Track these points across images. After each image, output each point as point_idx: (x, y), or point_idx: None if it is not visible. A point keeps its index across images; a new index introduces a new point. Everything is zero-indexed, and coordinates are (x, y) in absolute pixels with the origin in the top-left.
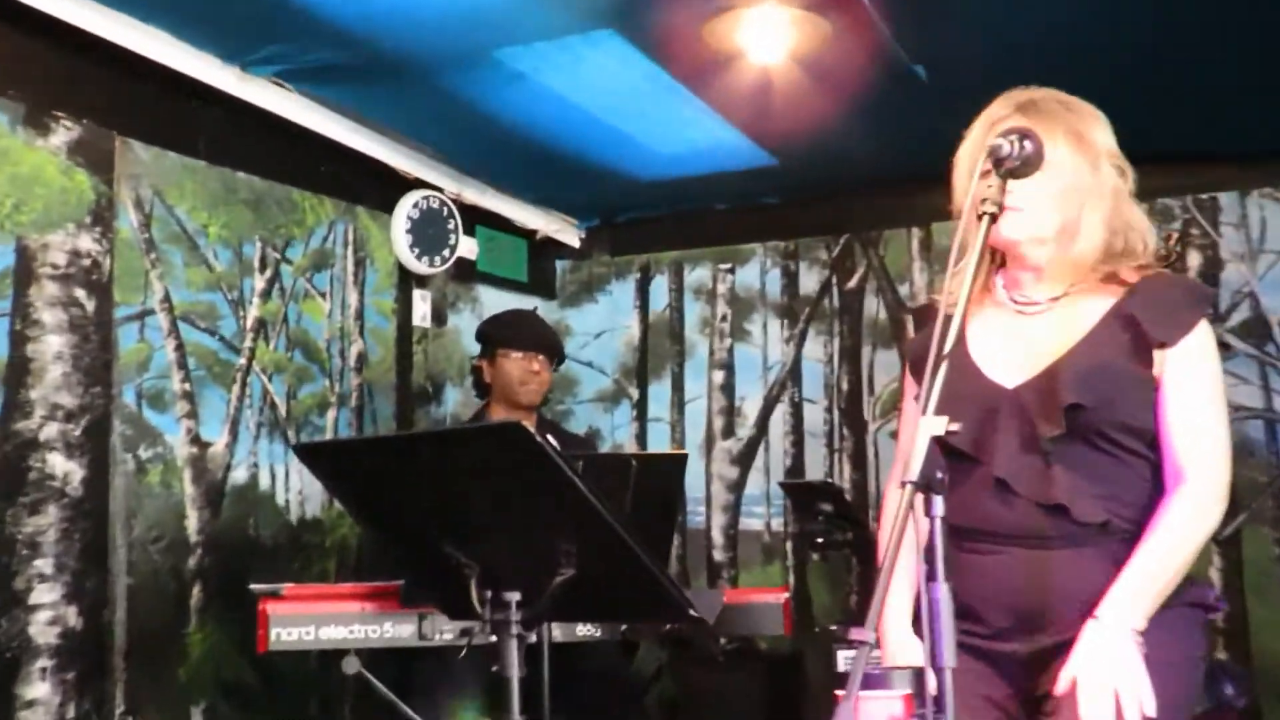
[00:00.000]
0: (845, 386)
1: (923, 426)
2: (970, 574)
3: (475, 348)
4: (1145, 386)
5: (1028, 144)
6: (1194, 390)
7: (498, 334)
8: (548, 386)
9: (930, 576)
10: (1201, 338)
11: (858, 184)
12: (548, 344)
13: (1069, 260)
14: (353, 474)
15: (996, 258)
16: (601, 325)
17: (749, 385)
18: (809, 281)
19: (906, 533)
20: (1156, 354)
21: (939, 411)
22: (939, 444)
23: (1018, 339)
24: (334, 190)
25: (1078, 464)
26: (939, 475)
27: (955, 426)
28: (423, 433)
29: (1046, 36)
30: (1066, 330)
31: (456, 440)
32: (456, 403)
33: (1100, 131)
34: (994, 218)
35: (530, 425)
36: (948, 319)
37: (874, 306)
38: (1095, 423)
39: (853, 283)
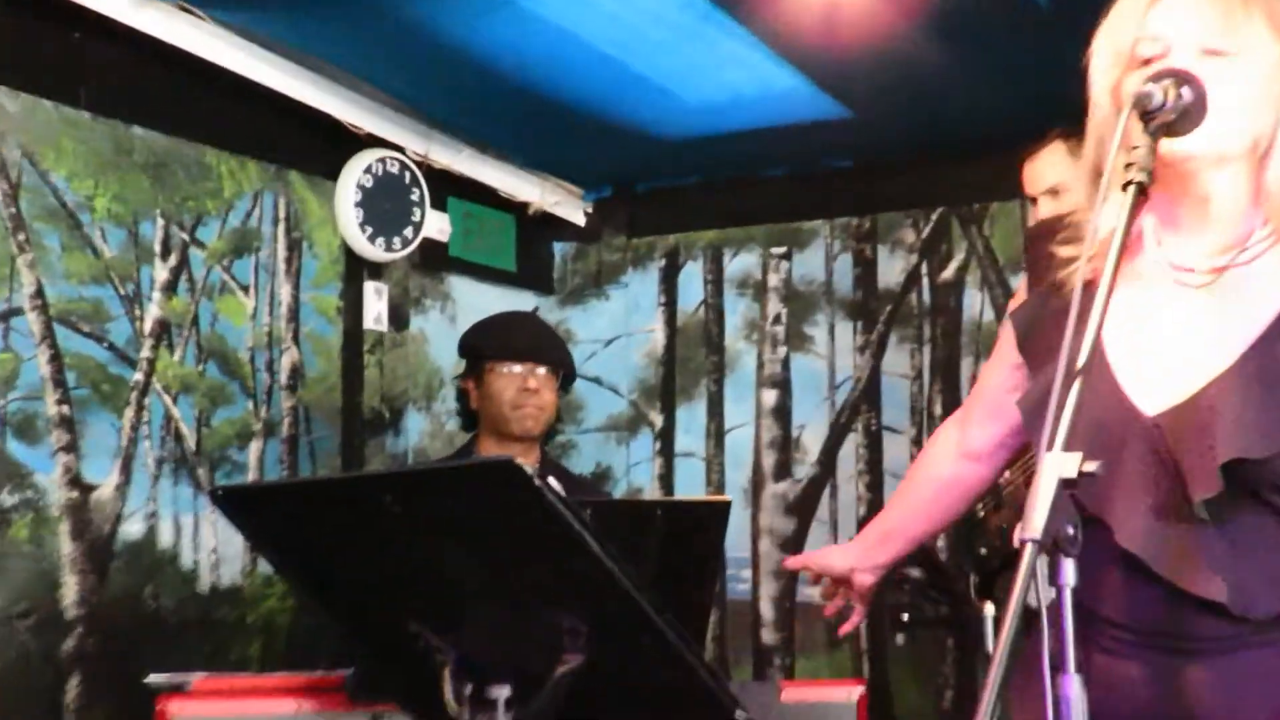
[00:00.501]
0: (939, 410)
1: (1047, 466)
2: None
3: (445, 357)
4: None
5: (1186, 91)
6: None
7: (485, 343)
8: (552, 412)
9: (1058, 666)
10: None
11: (956, 143)
12: (551, 355)
13: (1250, 198)
14: (286, 528)
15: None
16: (615, 330)
17: (811, 409)
18: (891, 271)
19: (935, 469)
20: None
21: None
22: (1075, 485)
23: (1165, 326)
24: (260, 150)
25: (1241, 534)
26: (1070, 531)
27: (1093, 466)
28: (383, 474)
29: None
30: (1232, 322)
31: (428, 483)
32: (421, 433)
33: None
34: (1144, 190)
35: (529, 463)
36: (1084, 312)
37: (977, 304)
38: (1263, 477)
39: (949, 273)
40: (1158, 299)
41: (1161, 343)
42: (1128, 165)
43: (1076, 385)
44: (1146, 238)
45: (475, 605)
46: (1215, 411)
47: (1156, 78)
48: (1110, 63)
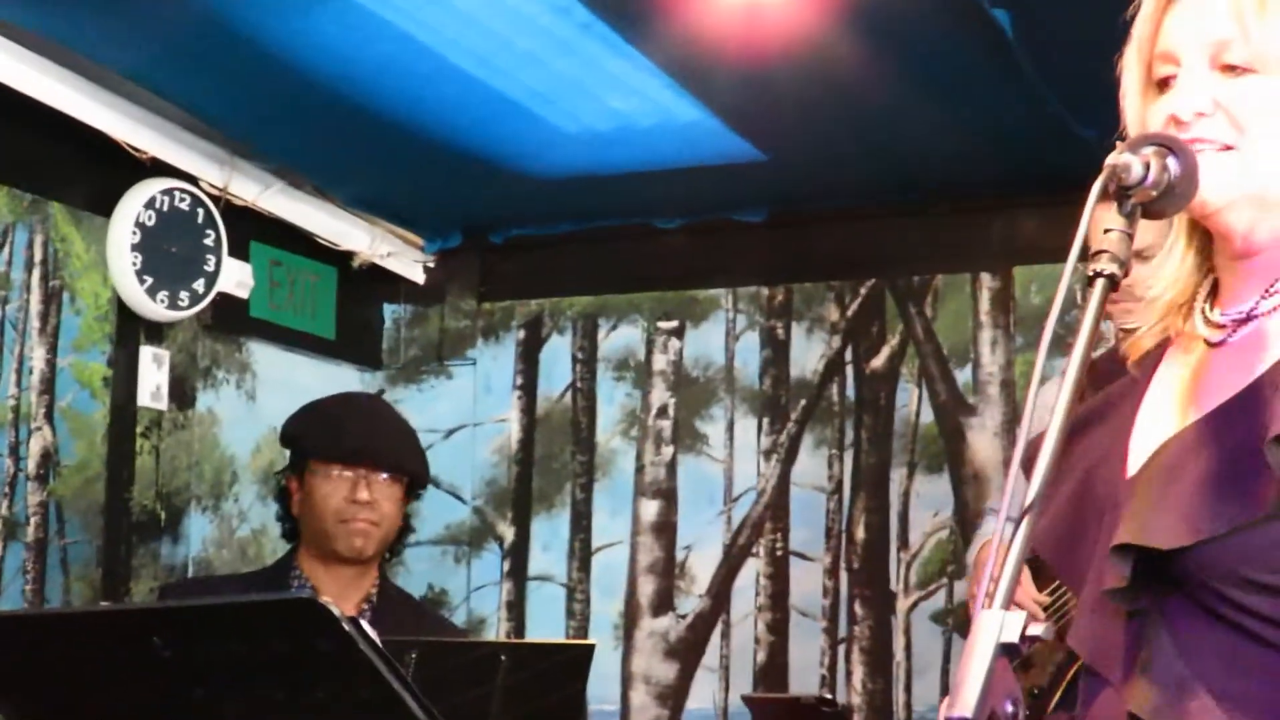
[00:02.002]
0: (862, 534)
1: (983, 627)
2: None
3: (239, 444)
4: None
5: (1173, 163)
6: None
7: (309, 434)
8: (391, 527)
9: None
10: None
11: (896, 197)
12: (395, 456)
13: None
14: (21, 671)
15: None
16: (458, 417)
17: (701, 526)
18: (808, 355)
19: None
20: None
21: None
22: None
23: (1179, 389)
24: (11, 175)
25: (1188, 640)
26: (1009, 709)
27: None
28: (149, 609)
29: None
30: (1225, 379)
31: (209, 621)
32: (205, 540)
33: None
34: (1114, 283)
35: (357, 597)
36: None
37: (914, 401)
38: (1209, 572)
39: (880, 360)
40: (1187, 368)
41: (1169, 405)
42: (1097, 253)
43: (1022, 530)
44: (1198, 302)
45: None
46: (1133, 490)
47: (1135, 145)
48: (1138, 84)
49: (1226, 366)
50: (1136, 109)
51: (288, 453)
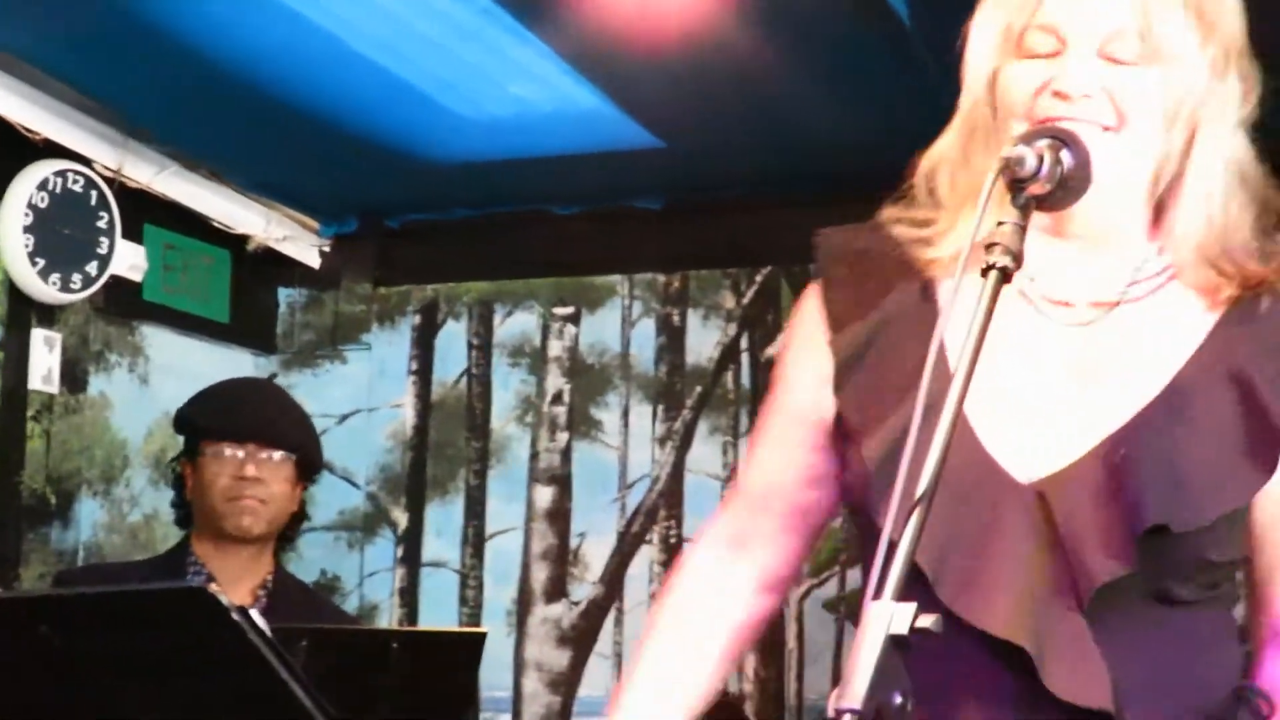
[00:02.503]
0: None
1: (871, 617)
2: None
3: (131, 428)
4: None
5: (1067, 156)
6: None
7: (200, 416)
8: (282, 508)
9: None
10: None
11: (792, 184)
12: (283, 435)
13: (1144, 228)
14: None
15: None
16: (352, 402)
17: (595, 513)
18: (703, 343)
19: (726, 609)
20: None
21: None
22: (906, 645)
23: (1040, 372)
24: None
25: (1134, 629)
26: (897, 700)
27: (930, 621)
28: (37, 596)
29: None
30: (1129, 366)
31: (99, 610)
32: (96, 524)
33: (1231, 11)
34: (1007, 274)
35: (252, 583)
36: (939, 373)
37: None
38: (1175, 558)
39: (776, 348)
40: (1024, 338)
41: (1033, 392)
42: (990, 245)
43: (915, 516)
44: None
45: None
46: (1121, 473)
47: (1029, 138)
48: (995, 43)
49: (1113, 343)
50: (988, 67)
51: (182, 440)
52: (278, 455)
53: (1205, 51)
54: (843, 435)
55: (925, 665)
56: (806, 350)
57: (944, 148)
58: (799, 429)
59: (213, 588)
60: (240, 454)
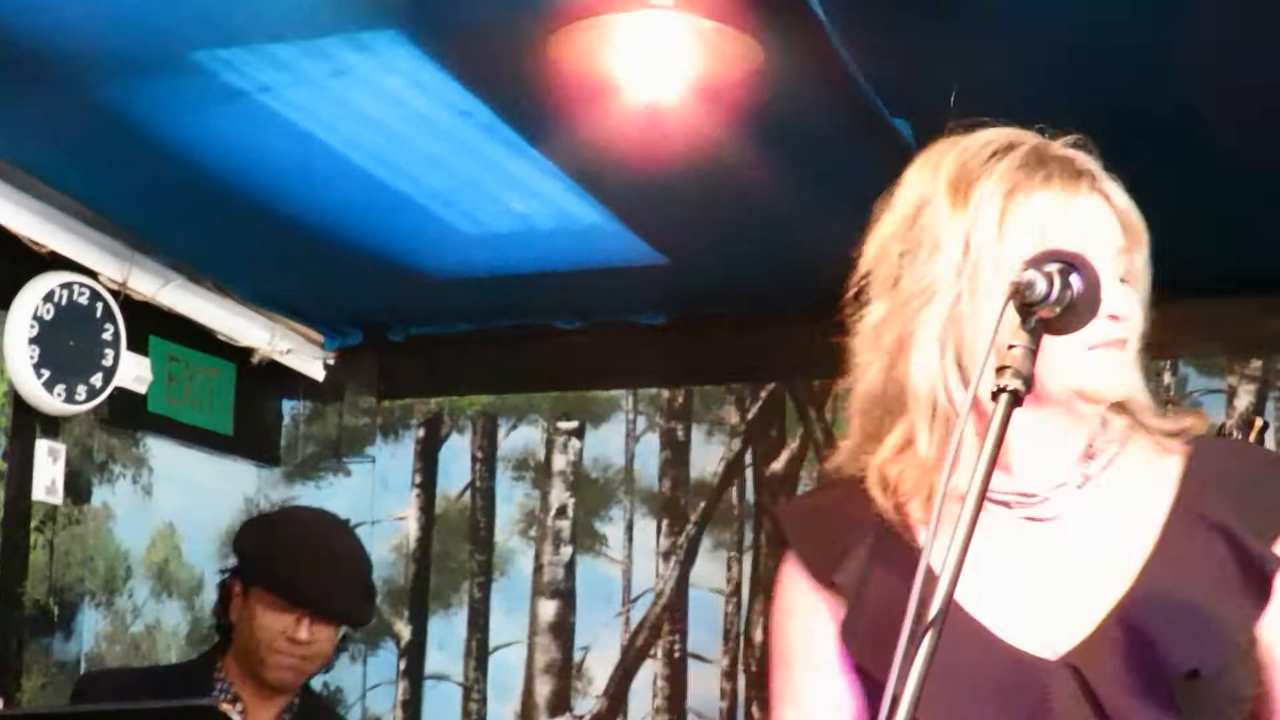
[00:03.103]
0: (761, 636)
1: None
2: None
3: (133, 539)
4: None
5: (1076, 280)
6: None
7: (260, 560)
8: (325, 663)
9: None
10: None
11: (796, 300)
12: (340, 607)
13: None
14: None
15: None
16: (356, 514)
17: (599, 627)
18: (707, 458)
19: None
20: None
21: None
22: None
23: (1027, 562)
24: None
25: None
26: None
27: None
28: (53, 713)
29: (1093, 80)
30: (1110, 538)
31: None
32: (98, 635)
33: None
34: (1018, 398)
35: (279, 705)
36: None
37: None
38: (1212, 699)
39: (780, 464)
40: (1006, 537)
41: (1030, 579)
42: (1000, 369)
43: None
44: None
45: None
46: (1142, 634)
47: (1038, 262)
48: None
49: (1082, 522)
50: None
51: (232, 557)
52: (332, 629)
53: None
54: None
55: None
56: (800, 611)
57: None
58: (827, 680)
59: (224, 707)
60: (294, 613)
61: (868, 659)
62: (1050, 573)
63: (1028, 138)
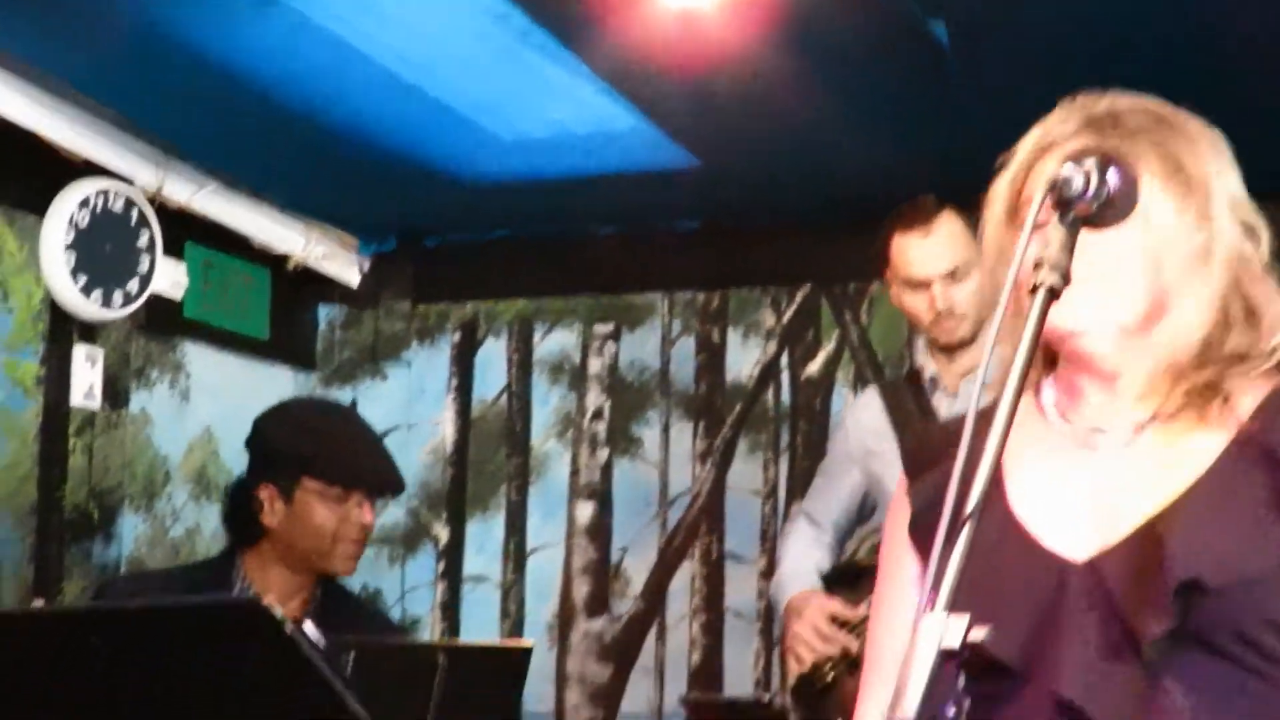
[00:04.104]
0: None
1: (925, 631)
2: None
3: (172, 444)
4: None
5: (1112, 176)
6: None
7: (304, 454)
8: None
9: None
10: None
11: (831, 206)
12: (392, 478)
13: (1156, 361)
14: None
15: (1044, 354)
16: (392, 419)
17: (636, 529)
18: (743, 361)
19: None
20: None
21: (960, 605)
22: (956, 659)
23: (1083, 482)
24: None
25: (1198, 682)
26: (950, 712)
27: (982, 633)
28: (86, 609)
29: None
30: (1165, 470)
31: (145, 623)
32: (138, 539)
33: (1214, 161)
34: (1055, 293)
35: (301, 598)
36: (974, 452)
37: (848, 406)
38: (1226, 617)
39: (816, 366)
40: (1069, 457)
41: (1079, 496)
42: (1037, 264)
43: (965, 533)
44: (1048, 408)
45: None
46: (1161, 543)
47: (1077, 158)
48: (1001, 215)
49: (1148, 456)
50: (996, 235)
51: (250, 458)
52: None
53: (1184, 201)
54: None
55: (986, 708)
56: (893, 524)
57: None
58: (903, 585)
59: (267, 600)
60: (352, 499)
61: (927, 555)
62: (1100, 491)
63: (1085, 100)
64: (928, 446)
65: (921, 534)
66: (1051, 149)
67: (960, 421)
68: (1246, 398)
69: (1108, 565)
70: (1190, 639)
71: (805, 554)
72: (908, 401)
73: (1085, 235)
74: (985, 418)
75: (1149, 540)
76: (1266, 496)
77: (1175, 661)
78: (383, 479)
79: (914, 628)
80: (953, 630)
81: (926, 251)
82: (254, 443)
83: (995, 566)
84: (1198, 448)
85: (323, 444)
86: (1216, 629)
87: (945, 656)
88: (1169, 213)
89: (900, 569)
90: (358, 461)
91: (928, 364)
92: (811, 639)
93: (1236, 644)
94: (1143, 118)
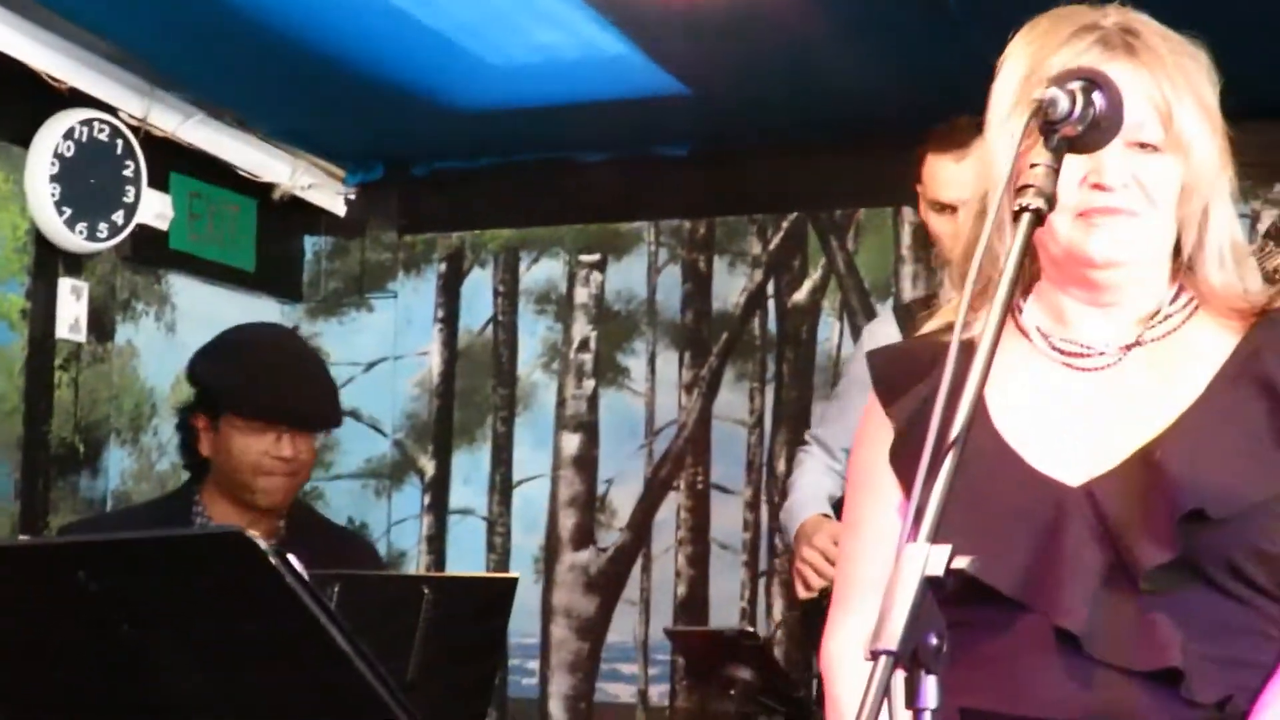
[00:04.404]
0: (783, 468)
1: (908, 560)
2: None
3: (159, 377)
4: None
5: (1099, 98)
6: None
7: (224, 387)
8: (308, 474)
9: None
10: None
11: (818, 133)
12: (317, 414)
13: (1163, 284)
14: None
15: (1028, 268)
16: (377, 350)
17: (622, 460)
18: (729, 289)
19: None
20: None
21: (951, 532)
22: (942, 586)
23: (1073, 404)
24: None
25: (1189, 611)
26: (933, 641)
27: (965, 562)
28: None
29: None
30: (1157, 394)
31: (132, 556)
32: (124, 473)
33: (1212, 85)
34: (1040, 217)
35: (264, 527)
36: (958, 378)
37: (835, 335)
38: (1220, 547)
39: (802, 294)
40: (1055, 383)
41: (1072, 419)
42: (1021, 188)
43: (949, 461)
44: (1032, 334)
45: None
46: (1162, 469)
47: (1061, 80)
48: (1019, 137)
49: (1139, 376)
50: (1005, 124)
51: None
52: (307, 433)
53: (1214, 140)
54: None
55: (983, 635)
56: (867, 441)
57: (971, 239)
58: (882, 527)
59: (250, 532)
60: (272, 431)
61: (909, 483)
62: (1090, 414)
63: (1090, 11)
64: (900, 366)
65: (904, 461)
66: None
67: (930, 340)
68: (1233, 327)
69: (1104, 491)
70: (1184, 568)
71: (817, 481)
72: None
73: (1140, 162)
74: (968, 346)
75: (1147, 466)
76: (1264, 424)
77: (1168, 591)
78: (305, 413)
79: (897, 557)
80: (935, 558)
81: (957, 175)
82: (189, 374)
83: (987, 494)
84: (1188, 374)
85: (244, 378)
86: (1210, 559)
87: (929, 585)
88: (1206, 146)
89: (879, 492)
90: (279, 395)
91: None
92: (821, 565)
93: (1225, 573)
94: (1158, 40)
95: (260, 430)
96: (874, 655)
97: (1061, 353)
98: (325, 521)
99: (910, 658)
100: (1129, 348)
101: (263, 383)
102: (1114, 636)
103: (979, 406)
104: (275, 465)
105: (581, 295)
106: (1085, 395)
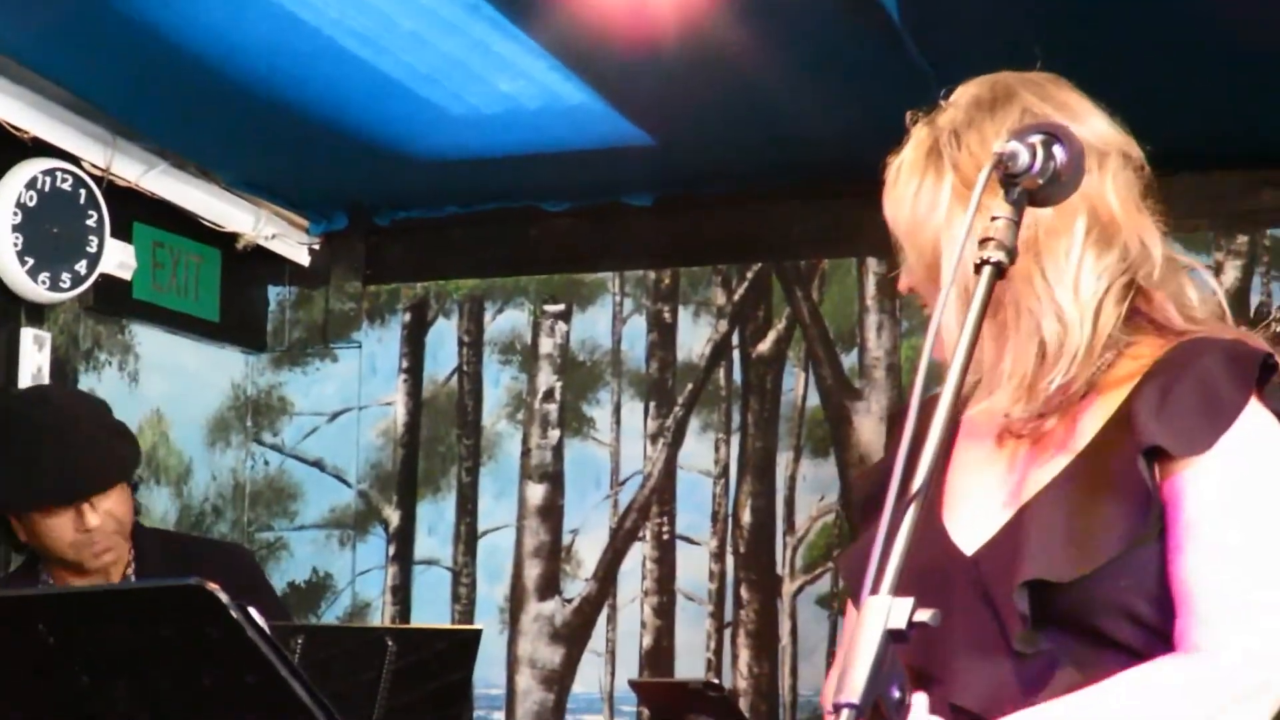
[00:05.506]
0: (748, 518)
1: (869, 611)
2: None
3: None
4: (1150, 537)
5: (1059, 151)
6: (1234, 522)
7: (11, 494)
8: (129, 522)
9: None
10: (1249, 432)
11: (783, 181)
12: (97, 474)
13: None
14: None
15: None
16: (343, 400)
17: (588, 510)
18: (694, 340)
19: None
20: (1168, 473)
21: (899, 590)
22: (904, 638)
23: (992, 471)
24: None
25: (1073, 666)
26: (895, 694)
27: (928, 615)
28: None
29: None
30: (1048, 457)
31: (91, 609)
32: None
33: (1090, 113)
34: (1002, 270)
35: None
36: (919, 434)
37: (800, 385)
38: (1082, 610)
39: (767, 345)
40: (983, 447)
41: (985, 486)
42: (983, 241)
43: (910, 514)
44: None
45: None
46: (1019, 536)
47: (1021, 134)
48: (907, 211)
49: (1042, 446)
50: (935, 212)
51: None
52: (96, 496)
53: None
54: None
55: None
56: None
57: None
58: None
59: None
60: (69, 511)
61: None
62: (1002, 479)
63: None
64: (878, 480)
65: (864, 517)
66: (941, 136)
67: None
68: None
69: (985, 559)
70: (1058, 628)
71: None
72: None
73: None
74: (929, 403)
75: (1017, 533)
76: (1119, 470)
77: (1050, 650)
78: (85, 484)
79: (859, 608)
80: (897, 611)
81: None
82: None
83: (913, 554)
84: (1088, 426)
85: (15, 474)
86: (1075, 618)
87: (890, 638)
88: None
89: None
90: (52, 478)
91: None
92: None
93: (1099, 629)
94: (1020, 84)
95: (57, 514)
96: (836, 709)
97: (991, 417)
98: (180, 543)
99: (872, 710)
100: (1042, 418)
101: (32, 472)
102: (1009, 703)
103: (940, 461)
104: (88, 538)
105: (546, 345)
106: (1003, 458)
